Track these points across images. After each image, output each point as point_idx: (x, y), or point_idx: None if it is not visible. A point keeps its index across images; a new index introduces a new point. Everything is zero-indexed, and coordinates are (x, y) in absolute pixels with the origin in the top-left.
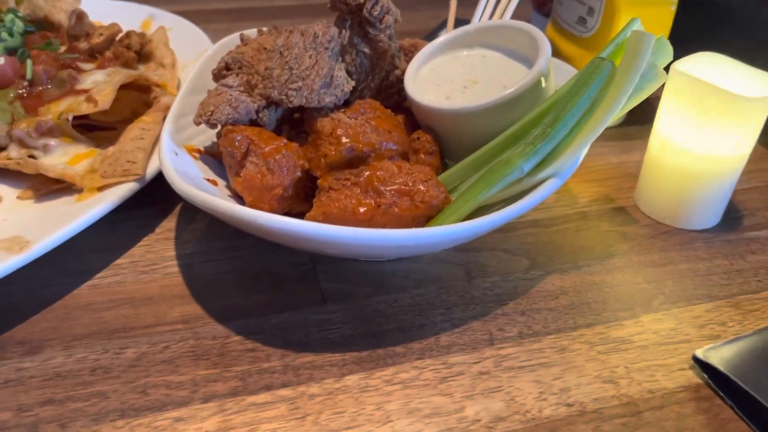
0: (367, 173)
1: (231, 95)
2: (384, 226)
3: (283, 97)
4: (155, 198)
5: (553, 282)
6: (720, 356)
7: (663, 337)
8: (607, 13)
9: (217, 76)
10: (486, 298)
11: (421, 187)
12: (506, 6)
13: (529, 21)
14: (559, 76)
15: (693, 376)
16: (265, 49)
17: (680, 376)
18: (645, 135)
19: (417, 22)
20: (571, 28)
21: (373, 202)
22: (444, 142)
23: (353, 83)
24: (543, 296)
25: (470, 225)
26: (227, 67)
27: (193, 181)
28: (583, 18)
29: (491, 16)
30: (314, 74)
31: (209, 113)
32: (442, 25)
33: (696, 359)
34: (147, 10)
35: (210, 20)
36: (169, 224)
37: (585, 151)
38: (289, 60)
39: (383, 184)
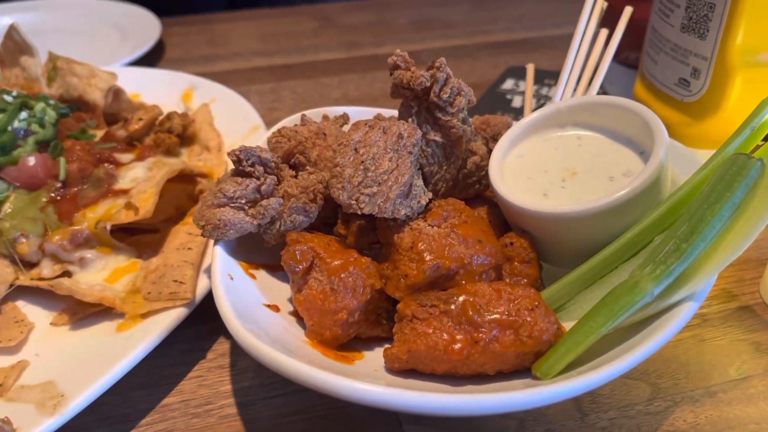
0: (460, 299)
1: (224, 216)
2: (482, 365)
3: (353, 201)
4: (206, 312)
5: (685, 417)
6: None
7: None
8: (718, 75)
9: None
10: None
11: (528, 318)
12: (593, 74)
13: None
14: (674, 160)
15: None
16: (324, 134)
17: None
18: None
19: (476, 73)
20: (668, 90)
21: (468, 337)
22: (540, 245)
23: (430, 195)
24: None
25: (596, 378)
26: (260, 163)
27: (251, 313)
28: (685, 80)
29: (576, 86)
30: (392, 181)
31: (201, 226)
32: (506, 75)
33: None
34: (187, 78)
35: (253, 80)
36: (222, 347)
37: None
38: (365, 160)
39: (479, 314)
